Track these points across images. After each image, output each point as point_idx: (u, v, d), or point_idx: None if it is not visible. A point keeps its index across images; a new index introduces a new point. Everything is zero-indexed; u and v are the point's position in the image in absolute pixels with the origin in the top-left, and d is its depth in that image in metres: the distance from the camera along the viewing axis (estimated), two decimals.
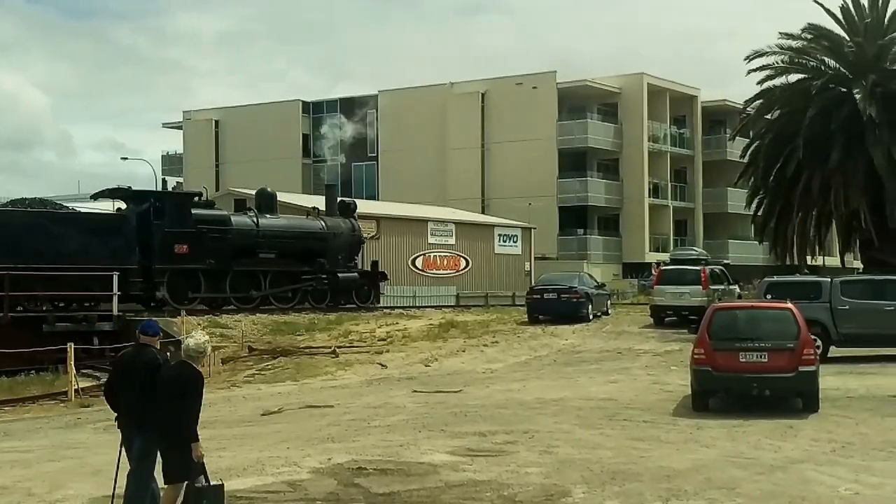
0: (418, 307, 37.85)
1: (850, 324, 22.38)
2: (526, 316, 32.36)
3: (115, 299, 27.10)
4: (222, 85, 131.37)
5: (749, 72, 34.56)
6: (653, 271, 47.33)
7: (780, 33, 34.35)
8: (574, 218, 61.73)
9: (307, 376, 22.66)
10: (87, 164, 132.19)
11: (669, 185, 65.38)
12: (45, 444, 14.34)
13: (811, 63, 34.36)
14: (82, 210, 31.88)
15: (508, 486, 10.38)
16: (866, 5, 33.73)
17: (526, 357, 25.49)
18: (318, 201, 38.16)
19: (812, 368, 15.06)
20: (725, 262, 39.29)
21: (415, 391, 19.44)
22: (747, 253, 61.14)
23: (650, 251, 62.19)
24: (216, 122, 73.66)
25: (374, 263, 36.23)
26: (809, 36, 34.07)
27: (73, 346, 20.66)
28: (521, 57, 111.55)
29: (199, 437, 8.46)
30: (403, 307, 37.03)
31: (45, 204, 29.23)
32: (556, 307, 31.62)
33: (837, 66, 33.76)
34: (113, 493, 9.14)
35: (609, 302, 36.40)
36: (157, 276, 28.83)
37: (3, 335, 24.03)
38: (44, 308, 26.81)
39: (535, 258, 52.05)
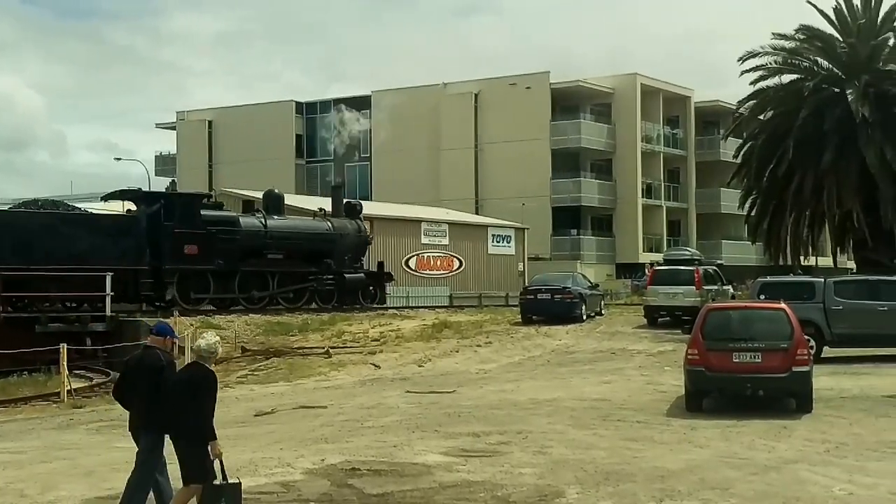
0: (412, 307, 37.81)
1: (843, 324, 22.36)
2: (519, 316, 32.29)
3: (108, 300, 27.13)
4: (218, 85, 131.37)
5: (742, 72, 34.75)
6: (646, 272, 47.32)
7: (773, 34, 34.54)
8: (567, 218, 61.74)
9: (300, 377, 22.62)
10: (80, 164, 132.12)
11: (663, 185, 65.44)
12: (38, 445, 14.28)
13: (804, 64, 34.44)
14: (93, 211, 31.99)
15: (502, 487, 10.36)
16: (859, 6, 33.80)
17: (519, 357, 25.46)
18: (318, 202, 38.13)
19: (806, 369, 15.09)
20: (719, 262, 39.37)
21: (408, 392, 19.42)
22: (741, 253, 61.16)
23: (643, 251, 62.20)
24: (209, 122, 73.48)
25: (381, 264, 36.64)
26: (802, 37, 34.17)
27: (65, 347, 20.63)
28: (514, 57, 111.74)
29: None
30: (397, 307, 36.99)
31: (57, 205, 29.42)
32: (549, 307, 31.57)
33: (830, 66, 33.85)
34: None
35: (602, 302, 36.35)
36: (166, 277, 28.99)
37: None
38: (50, 307, 26.82)
39: (529, 258, 52.05)
